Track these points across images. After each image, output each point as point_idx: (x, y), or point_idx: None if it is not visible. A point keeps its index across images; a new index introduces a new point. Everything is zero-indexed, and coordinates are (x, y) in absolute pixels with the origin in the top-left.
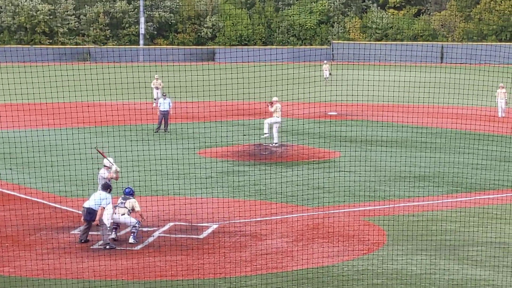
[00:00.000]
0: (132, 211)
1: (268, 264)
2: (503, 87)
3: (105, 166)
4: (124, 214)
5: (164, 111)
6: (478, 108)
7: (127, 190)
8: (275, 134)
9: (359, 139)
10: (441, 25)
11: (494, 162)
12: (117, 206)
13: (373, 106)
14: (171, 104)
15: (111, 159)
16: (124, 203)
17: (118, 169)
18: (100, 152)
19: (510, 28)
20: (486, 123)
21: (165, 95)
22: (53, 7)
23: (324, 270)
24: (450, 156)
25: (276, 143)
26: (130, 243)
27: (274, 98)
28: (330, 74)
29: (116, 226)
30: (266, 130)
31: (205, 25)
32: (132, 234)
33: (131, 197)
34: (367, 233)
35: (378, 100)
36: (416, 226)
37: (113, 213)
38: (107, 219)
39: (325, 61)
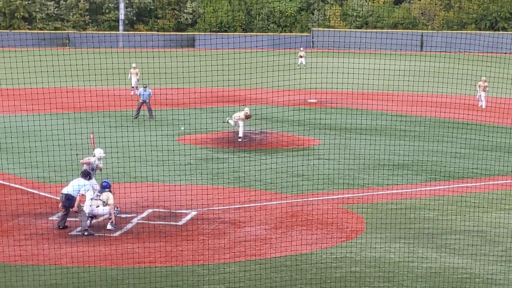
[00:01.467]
0: (106, 203)
1: (246, 251)
2: (485, 81)
3: (98, 158)
4: (99, 206)
5: (144, 101)
6: (458, 97)
7: (104, 183)
8: (241, 129)
9: (339, 127)
10: (421, 13)
11: (473, 151)
12: (92, 198)
13: (353, 94)
14: (151, 95)
15: (101, 151)
16: (100, 195)
17: (101, 166)
18: (91, 139)
19: (490, 17)
20: (465, 112)
21: (146, 87)
22: None
23: (302, 258)
24: (429, 145)
25: (240, 138)
26: (108, 229)
27: (246, 109)
28: (305, 61)
29: (92, 216)
30: (241, 134)
31: (185, 11)
32: (110, 221)
33: (107, 190)
34: (345, 220)
35: (358, 88)
36: (394, 214)
37: (89, 205)
38: (87, 206)
39: (301, 49)
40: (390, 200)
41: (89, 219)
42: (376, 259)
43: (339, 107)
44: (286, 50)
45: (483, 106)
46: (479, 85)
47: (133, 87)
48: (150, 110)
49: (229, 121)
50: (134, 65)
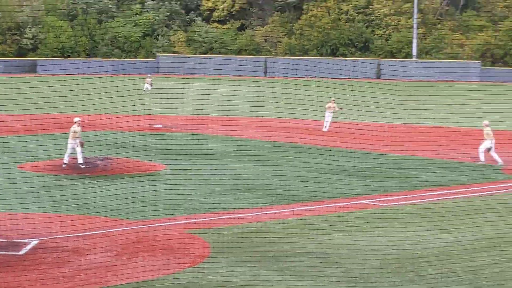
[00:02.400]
0: None
1: (89, 279)
2: (334, 102)
3: None
4: None
5: None
6: (299, 121)
7: None
8: (79, 155)
9: (184, 152)
10: (264, 39)
11: (315, 174)
12: None
13: (199, 118)
14: None
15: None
16: None
17: None
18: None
19: (330, 42)
20: (307, 136)
21: None
22: None
23: (147, 284)
24: (273, 168)
25: (81, 164)
26: None
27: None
28: (151, 86)
29: None
30: (80, 160)
31: (25, 36)
32: None
33: None
34: (191, 246)
35: (203, 113)
36: (239, 238)
37: None
38: None
39: (148, 75)
40: (235, 224)
41: None
42: (220, 283)
43: (184, 132)
44: (132, 75)
45: (326, 129)
46: (328, 106)
47: None
48: None
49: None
50: None
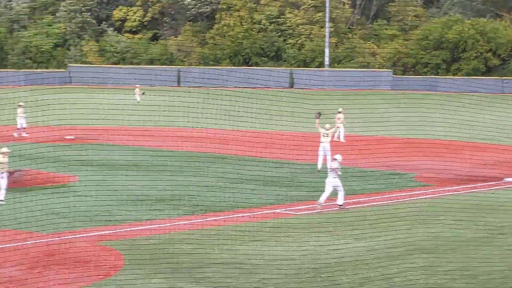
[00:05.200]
0: None
1: None
2: (340, 112)
3: None
4: None
5: None
6: (213, 130)
7: None
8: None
9: (97, 163)
10: (178, 49)
11: (229, 183)
12: None
13: (111, 129)
14: None
15: None
16: None
17: None
18: None
19: (243, 52)
20: (219, 145)
21: None
22: None
23: None
24: (186, 178)
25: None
26: None
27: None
28: (140, 98)
29: None
30: None
31: None
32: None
33: None
34: (104, 257)
35: (116, 123)
36: (153, 248)
37: None
38: None
39: (137, 85)
40: (149, 235)
41: None
42: None
43: (97, 142)
44: (43, 86)
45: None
46: (338, 118)
47: None
48: None
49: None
50: None
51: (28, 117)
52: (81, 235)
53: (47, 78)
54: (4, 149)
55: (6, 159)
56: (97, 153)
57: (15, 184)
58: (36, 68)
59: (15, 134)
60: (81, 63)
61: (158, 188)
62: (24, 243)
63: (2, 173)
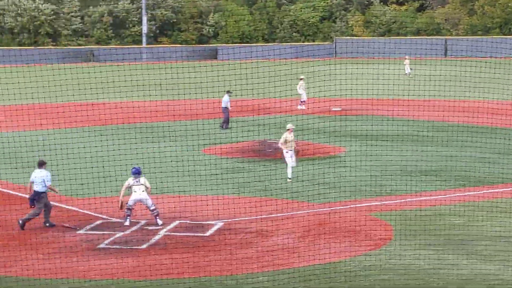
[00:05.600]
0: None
1: (274, 261)
2: None
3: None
4: (143, 190)
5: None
6: (482, 102)
7: (135, 170)
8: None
9: (364, 134)
10: (445, 19)
11: (498, 156)
12: (133, 185)
13: (377, 101)
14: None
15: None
16: (139, 180)
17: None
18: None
19: None
20: (490, 116)
21: (230, 93)
22: (57, 7)
23: (330, 266)
24: (455, 150)
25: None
26: (159, 225)
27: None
28: (410, 69)
29: (130, 212)
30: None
31: (208, 23)
32: (156, 218)
33: (140, 175)
34: (373, 228)
35: (382, 95)
36: (423, 221)
37: (131, 193)
38: (133, 194)
39: (406, 57)
40: (418, 207)
41: (128, 217)
42: (405, 266)
43: (363, 114)
44: (309, 59)
45: None
46: None
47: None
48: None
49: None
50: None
51: (295, 91)
52: (351, 206)
53: (313, 50)
54: (289, 126)
55: (291, 136)
56: (363, 124)
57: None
58: (303, 42)
59: (300, 107)
60: (347, 36)
61: (426, 159)
62: (296, 212)
63: (290, 151)
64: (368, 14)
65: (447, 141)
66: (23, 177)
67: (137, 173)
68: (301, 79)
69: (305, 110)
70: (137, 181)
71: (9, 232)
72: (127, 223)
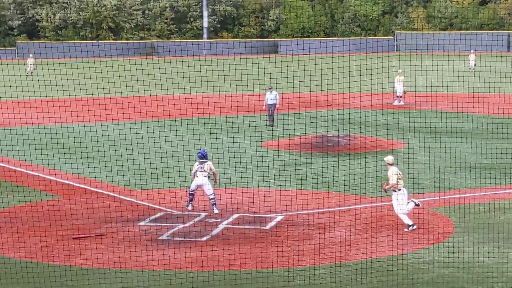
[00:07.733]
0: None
1: (334, 254)
2: None
3: None
4: (206, 176)
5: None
6: None
7: (200, 154)
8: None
9: (424, 129)
10: (508, 13)
11: None
12: (196, 171)
13: (438, 96)
14: (277, 97)
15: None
16: (203, 167)
17: None
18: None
19: None
20: None
21: (271, 89)
22: (119, 2)
23: (390, 260)
24: None
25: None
26: (215, 213)
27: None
28: (475, 64)
29: (192, 197)
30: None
31: (269, 18)
32: (213, 206)
33: (206, 160)
34: (434, 223)
35: (443, 90)
36: (484, 216)
37: (193, 179)
38: (195, 180)
39: (472, 51)
40: (479, 202)
41: (190, 202)
42: (466, 261)
43: (424, 109)
44: (369, 54)
45: None
46: None
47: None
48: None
49: None
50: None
51: (356, 85)
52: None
53: (374, 46)
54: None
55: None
56: (423, 119)
57: (344, 149)
58: (364, 36)
59: (397, 103)
60: (407, 30)
61: (487, 155)
62: (356, 206)
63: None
64: (430, 8)
65: (508, 137)
66: (87, 170)
67: (202, 157)
68: (399, 73)
69: (365, 105)
70: (201, 167)
71: (73, 223)
72: (189, 207)
